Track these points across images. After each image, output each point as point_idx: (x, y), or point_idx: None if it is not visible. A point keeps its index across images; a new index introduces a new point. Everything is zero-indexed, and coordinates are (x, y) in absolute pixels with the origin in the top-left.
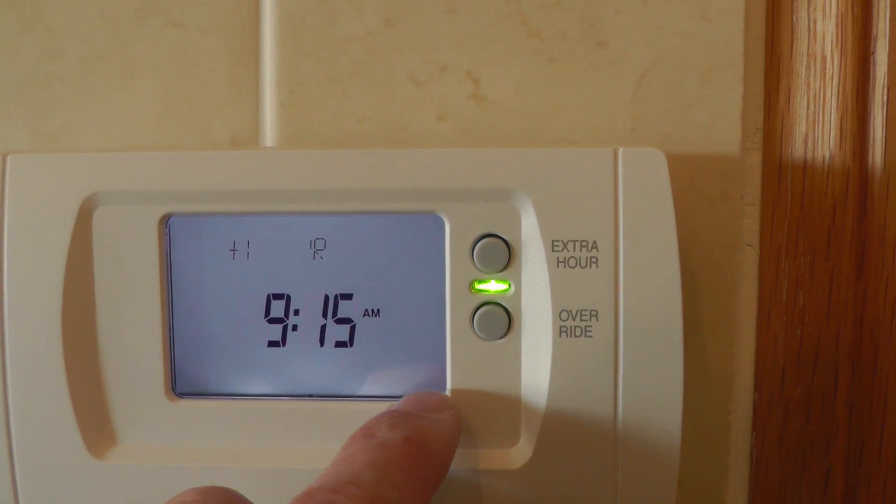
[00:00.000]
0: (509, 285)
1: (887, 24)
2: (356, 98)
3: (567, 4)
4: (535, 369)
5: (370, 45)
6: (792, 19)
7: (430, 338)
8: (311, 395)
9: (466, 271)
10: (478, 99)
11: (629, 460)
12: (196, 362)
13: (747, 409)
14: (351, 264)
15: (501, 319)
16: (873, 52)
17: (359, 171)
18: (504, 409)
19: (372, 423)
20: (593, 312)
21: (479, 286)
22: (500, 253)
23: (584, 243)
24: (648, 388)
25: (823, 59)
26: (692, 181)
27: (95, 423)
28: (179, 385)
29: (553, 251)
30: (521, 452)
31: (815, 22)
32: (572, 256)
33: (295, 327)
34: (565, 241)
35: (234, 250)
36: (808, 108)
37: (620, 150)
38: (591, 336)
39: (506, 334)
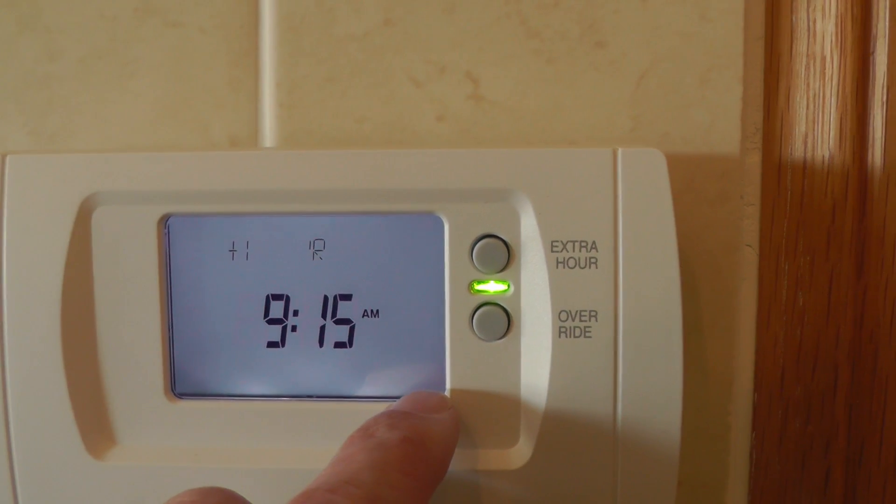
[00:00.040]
0: (508, 286)
1: (887, 23)
2: (355, 98)
3: (566, 4)
4: (535, 370)
5: (369, 46)
6: (791, 19)
7: (429, 338)
8: (310, 396)
9: (466, 272)
10: (477, 99)
11: (629, 461)
12: (195, 363)
13: (747, 410)
14: (350, 265)
15: (501, 320)
16: (873, 52)
17: (358, 171)
18: (503, 410)
19: (370, 424)
20: (593, 313)
21: (478, 287)
22: (500, 253)
23: (583, 244)
24: (648, 388)
25: (823, 59)
26: (692, 181)
27: (95, 424)
28: (179, 385)
29: (552, 252)
30: (520, 453)
31: (814, 22)
32: (571, 257)
33: (294, 328)
34: (564, 242)
35: (233, 251)
36: (807, 108)
37: (620, 151)
38: (590, 336)
39: (505, 335)
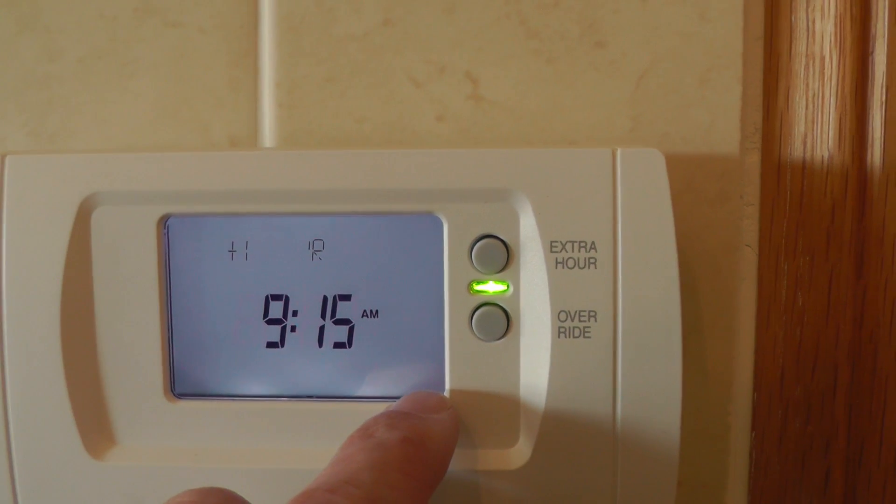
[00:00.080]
0: (508, 286)
1: (886, 24)
2: (355, 98)
3: (566, 4)
4: (534, 370)
5: (369, 46)
6: (791, 19)
7: (428, 338)
8: (309, 396)
9: (465, 272)
10: (476, 99)
11: (628, 461)
12: (195, 363)
13: (746, 410)
14: (350, 265)
15: (500, 320)
16: (872, 53)
17: (357, 171)
18: (503, 410)
19: (370, 424)
20: (592, 313)
21: (477, 287)
22: (499, 253)
23: (582, 244)
24: (647, 388)
25: (822, 59)
26: (691, 181)
27: (94, 424)
28: (178, 386)
29: (552, 252)
30: (519, 453)
31: (813, 22)
32: (571, 257)
33: (293, 328)
34: (564, 242)
35: (232, 251)
36: (806, 108)
37: (619, 151)
38: (589, 337)
39: (504, 335)
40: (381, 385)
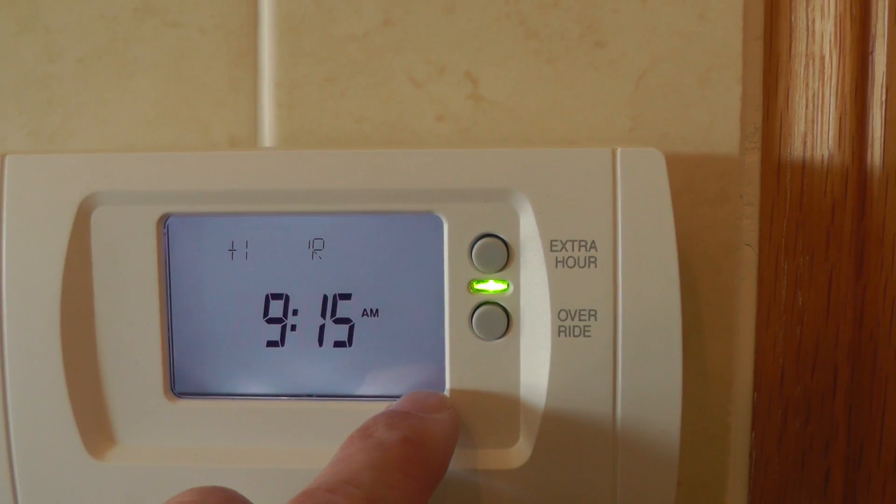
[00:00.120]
0: (508, 285)
1: (886, 23)
2: (355, 98)
3: (565, 4)
4: (534, 369)
5: (369, 46)
6: (790, 19)
7: (428, 338)
8: (309, 395)
9: (465, 271)
10: (476, 99)
11: (628, 460)
12: (195, 362)
13: (746, 410)
14: (350, 264)
15: (500, 319)
16: (872, 52)
17: (357, 171)
18: (503, 409)
19: (370, 424)
20: (592, 312)
21: (477, 286)
22: (499, 253)
23: (582, 243)
24: (647, 387)
25: (822, 58)
26: (691, 181)
27: (94, 423)
28: (178, 385)
29: (552, 251)
30: (519, 452)
31: (813, 21)
32: (571, 256)
33: (294, 327)
34: (564, 241)
35: (232, 250)
36: (806, 107)
37: (619, 150)
38: (589, 336)
39: (504, 334)
40: (382, 384)
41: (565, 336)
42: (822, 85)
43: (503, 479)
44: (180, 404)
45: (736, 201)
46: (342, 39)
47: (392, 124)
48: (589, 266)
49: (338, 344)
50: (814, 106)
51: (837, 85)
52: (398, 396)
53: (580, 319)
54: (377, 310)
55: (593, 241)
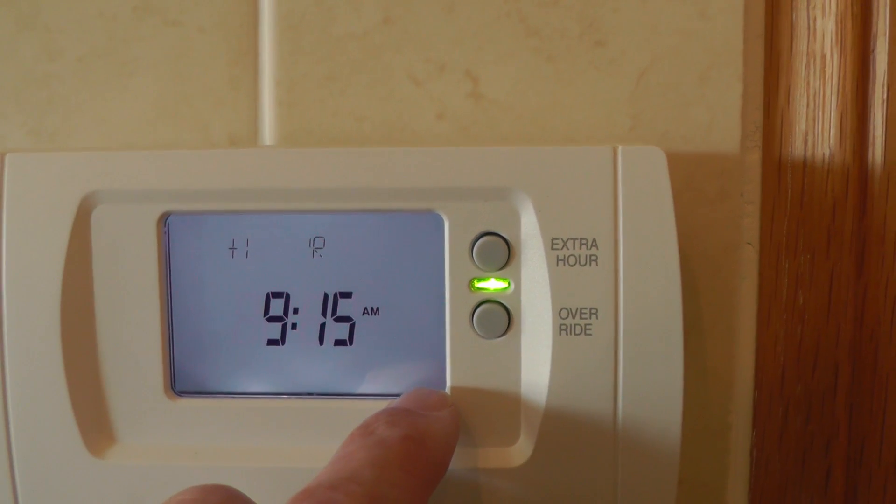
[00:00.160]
0: (509, 283)
1: (887, 22)
2: (355, 97)
3: (566, 3)
4: (535, 367)
5: (369, 44)
6: (791, 17)
7: (429, 336)
8: (310, 394)
9: (466, 269)
10: (477, 97)
11: (629, 459)
12: (195, 361)
13: (747, 408)
14: (350, 263)
15: (501, 318)
16: (873, 51)
17: (358, 169)
18: (504, 408)
19: (371, 421)
20: (593, 310)
21: (478, 284)
22: (500, 251)
23: (583, 241)
24: (648, 386)
25: (823, 57)
26: (691, 180)
27: (94, 422)
28: (179, 384)
29: (552, 249)
30: (520, 451)
31: (814, 20)
32: (572, 254)
33: (294, 326)
34: (565, 240)
35: (233, 249)
36: (807, 106)
37: (620, 148)
38: (590, 334)
39: (505, 332)
40: (382, 382)
41: (566, 334)
42: (823, 83)
43: (504, 478)
44: (181, 403)
45: (736, 200)
46: (342, 38)
47: (392, 123)
48: (590, 264)
49: (338, 342)
50: (815, 104)
51: (838, 83)
52: (399, 395)
53: (581, 318)
54: (378, 308)
55: (594, 240)
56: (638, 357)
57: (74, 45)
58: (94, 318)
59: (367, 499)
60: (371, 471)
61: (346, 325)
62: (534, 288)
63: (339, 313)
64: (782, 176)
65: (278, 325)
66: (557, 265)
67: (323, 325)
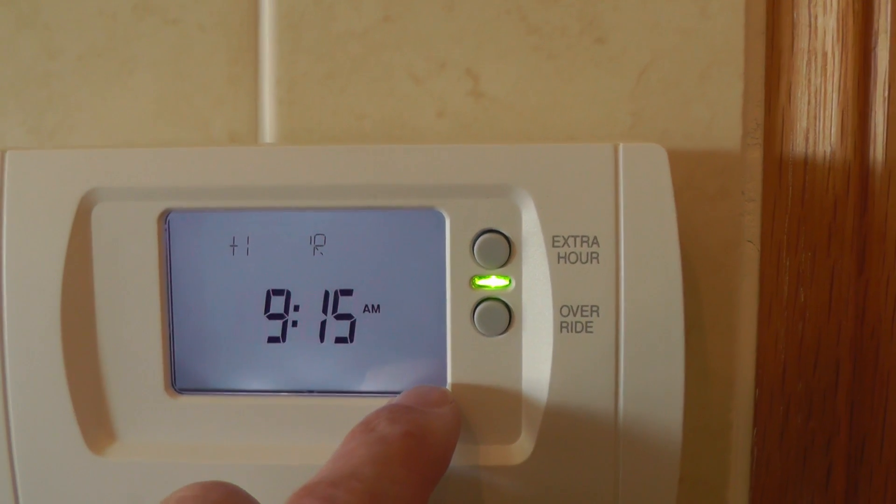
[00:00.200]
0: (510, 281)
1: (888, 19)
2: (355, 95)
3: (566, 0)
4: (536, 365)
5: (369, 42)
6: (793, 15)
7: (430, 334)
8: (311, 391)
9: (467, 267)
10: (477, 95)
11: (630, 457)
12: (196, 358)
13: (748, 406)
14: (351, 260)
15: (502, 315)
16: (874, 48)
17: (359, 166)
18: (505, 406)
19: (371, 418)
20: (594, 308)
21: (479, 282)
22: (501, 248)
23: (584, 239)
24: (649, 384)
25: (824, 54)
26: (692, 177)
27: (95, 420)
28: (179, 381)
29: (554, 246)
30: (521, 448)
31: (815, 17)
32: (573, 252)
33: (295, 323)
34: (566, 237)
35: (233, 246)
36: (808, 103)
37: (621, 146)
38: (591, 332)
39: (506, 330)
40: (383, 380)
41: (567, 332)
42: (825, 81)
43: (505, 476)
44: (181, 400)
45: (737, 198)
46: (342, 36)
47: (392, 121)
48: (591, 262)
49: (339, 340)
50: (816, 102)
51: (839, 81)
52: (400, 392)
53: (582, 315)
54: (378, 306)
55: (595, 237)
56: (639, 355)
57: (74, 43)
58: (95, 316)
59: (368, 495)
60: (372, 467)
61: (347, 323)
62: (535, 285)
63: (339, 311)
64: (783, 173)
65: (279, 323)
66: (558, 262)
67: (324, 323)
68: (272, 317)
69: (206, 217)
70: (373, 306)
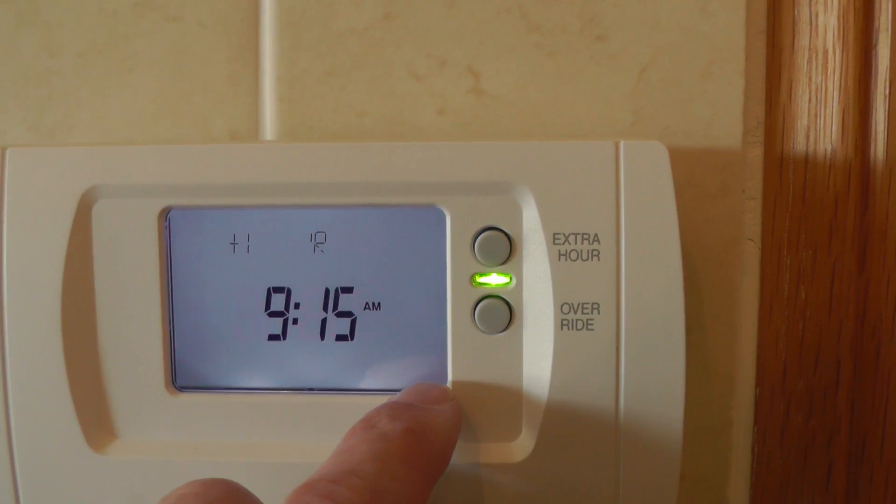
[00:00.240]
0: (510, 278)
1: (889, 17)
2: (355, 92)
3: None
4: (537, 362)
5: (369, 40)
6: (793, 13)
7: (431, 331)
8: (311, 389)
9: (467, 264)
10: (478, 93)
11: (631, 454)
12: (196, 356)
13: (749, 405)
14: (351, 257)
15: (502, 312)
16: (875, 46)
17: (359, 164)
18: (505, 403)
19: (372, 415)
20: (595, 305)
21: (480, 279)
22: (501, 246)
23: (585, 236)
24: (650, 381)
25: (825, 52)
26: (693, 175)
27: (95, 418)
28: (179, 379)
29: (554, 244)
30: (522, 446)
31: (816, 15)
32: (574, 249)
33: (295, 321)
34: (566, 234)
35: (234, 244)
36: (809, 101)
37: (622, 143)
38: (592, 329)
39: (507, 327)
40: (384, 378)
41: (568, 329)
42: (826, 79)
43: (506, 473)
44: (181, 398)
45: (738, 196)
46: (343, 33)
47: (393, 118)
48: (592, 259)
49: (340, 337)
50: (817, 100)
51: (840, 79)
52: (400, 390)
53: (583, 313)
54: (379, 303)
55: (596, 235)
56: (640, 352)
57: (74, 40)
58: (95, 313)
59: (369, 492)
60: (372, 464)
61: (348, 321)
62: (535, 283)
63: (340, 308)
64: (784, 171)
65: (279, 321)
66: (559, 260)
67: (324, 321)
68: (273, 314)
69: (206, 214)
70: (373, 304)
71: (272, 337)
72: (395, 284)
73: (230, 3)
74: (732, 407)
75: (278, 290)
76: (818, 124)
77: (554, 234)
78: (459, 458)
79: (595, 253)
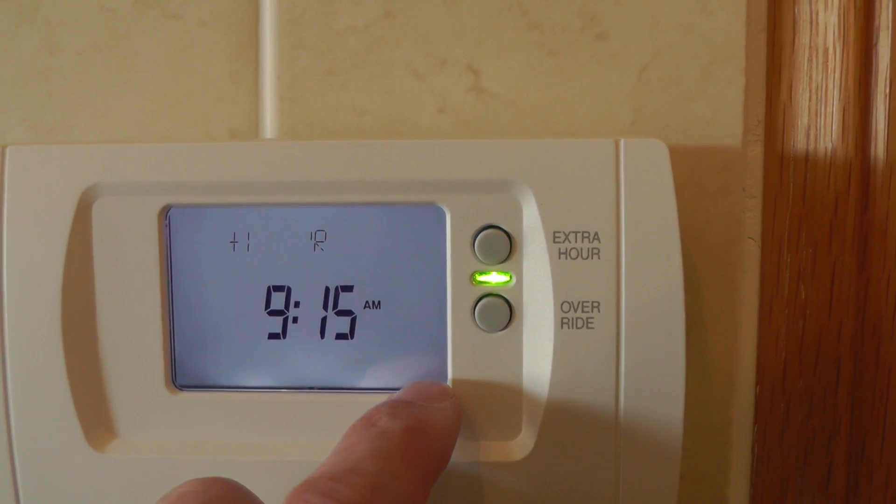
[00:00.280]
0: (510, 277)
1: (890, 15)
2: (356, 91)
3: None
4: (537, 361)
5: (370, 38)
6: (794, 11)
7: (431, 330)
8: (311, 388)
9: (467, 263)
10: (478, 91)
11: (631, 453)
12: (196, 354)
13: (749, 404)
14: (351, 256)
15: (503, 311)
16: (876, 44)
17: (359, 162)
18: (505, 402)
19: (372, 413)
20: (595, 304)
21: (480, 278)
22: (502, 244)
23: (585, 234)
24: (650, 380)
25: (825, 51)
26: (693, 174)
27: (95, 416)
28: (179, 377)
29: (554, 242)
30: (522, 445)
31: (816, 14)
32: (574, 248)
33: (295, 319)
34: (567, 233)
35: (234, 242)
36: (810, 100)
37: (622, 141)
38: (592, 328)
39: (507, 326)
40: (384, 376)
41: (568, 328)
42: (826, 77)
43: (505, 472)
44: (181, 397)
45: (738, 194)
46: (343, 32)
47: (393, 117)
48: (592, 258)
49: (340, 336)
50: (817, 98)
51: (841, 77)
52: (400, 389)
53: (583, 311)
54: (379, 302)
55: (596, 233)
56: (640, 351)
57: (75, 39)
58: (95, 312)
59: (369, 490)
60: (373, 462)
61: (348, 319)
62: (535, 281)
63: (340, 307)
64: (784, 170)
65: (279, 319)
66: (559, 258)
67: (324, 319)
68: (272, 313)
69: (206, 213)
70: (373, 302)
71: (272, 335)
72: (395, 283)
73: (230, 1)
74: (732, 406)
75: (278, 288)
76: (818, 123)
77: (554, 233)
78: (459, 456)
79: (595, 251)
